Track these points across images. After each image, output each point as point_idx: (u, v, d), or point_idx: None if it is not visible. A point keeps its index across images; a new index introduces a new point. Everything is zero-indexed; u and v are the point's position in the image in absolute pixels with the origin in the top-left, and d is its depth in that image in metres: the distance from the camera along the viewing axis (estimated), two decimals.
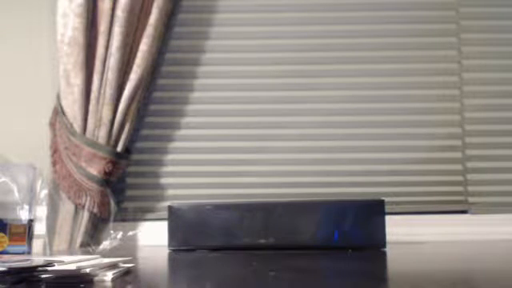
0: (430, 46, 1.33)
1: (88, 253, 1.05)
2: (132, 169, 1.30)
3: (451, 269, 0.70)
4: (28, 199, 1.02)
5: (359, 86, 1.32)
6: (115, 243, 1.18)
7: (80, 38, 1.18)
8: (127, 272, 0.67)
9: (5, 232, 0.99)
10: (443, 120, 1.31)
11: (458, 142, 1.31)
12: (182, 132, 1.32)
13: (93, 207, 1.18)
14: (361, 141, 1.31)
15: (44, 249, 1.12)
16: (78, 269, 0.57)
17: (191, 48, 1.33)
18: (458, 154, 1.30)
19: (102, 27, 1.20)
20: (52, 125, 1.23)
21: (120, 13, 1.18)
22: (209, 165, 1.31)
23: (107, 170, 1.18)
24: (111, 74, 1.19)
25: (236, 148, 1.31)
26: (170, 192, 1.30)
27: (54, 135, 1.22)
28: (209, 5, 1.34)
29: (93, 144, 1.18)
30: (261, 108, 1.32)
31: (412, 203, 1.29)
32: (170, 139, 1.31)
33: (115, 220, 1.20)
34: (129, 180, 1.30)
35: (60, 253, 1.10)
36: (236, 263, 0.82)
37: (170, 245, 1.04)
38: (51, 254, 1.06)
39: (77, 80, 1.18)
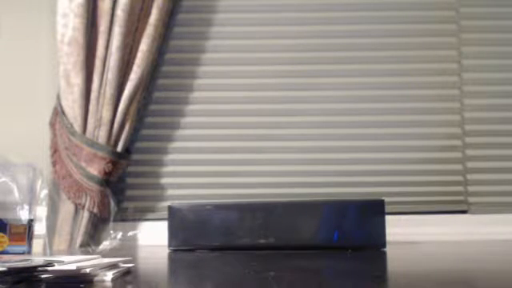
0: (430, 45, 1.33)
1: (88, 253, 1.05)
2: (132, 169, 1.30)
3: (451, 269, 0.70)
4: (28, 199, 1.02)
5: (359, 86, 1.32)
6: (115, 243, 1.18)
7: (80, 38, 1.18)
8: (127, 272, 0.67)
9: (5, 232, 0.99)
10: (443, 120, 1.31)
11: (458, 142, 1.31)
12: (182, 132, 1.32)
13: (93, 207, 1.18)
14: (361, 141, 1.31)
15: (44, 249, 1.12)
16: (78, 269, 0.57)
17: (191, 48, 1.33)
18: (458, 154, 1.30)
19: (102, 27, 1.20)
20: (52, 125, 1.23)
21: (120, 13, 1.18)
22: (209, 165, 1.31)
23: (107, 170, 1.18)
24: (111, 74, 1.19)
25: (236, 148, 1.31)
26: (170, 192, 1.30)
27: (54, 135, 1.22)
28: (209, 5, 1.34)
29: (93, 144, 1.18)
30: (260, 108, 1.32)
31: (412, 203, 1.29)
32: (170, 139, 1.32)
33: (115, 220, 1.20)
34: (129, 180, 1.30)
35: (60, 253, 1.10)
36: (236, 263, 0.82)
37: (170, 245, 1.04)
38: (51, 254, 1.06)
39: (77, 80, 1.18)
